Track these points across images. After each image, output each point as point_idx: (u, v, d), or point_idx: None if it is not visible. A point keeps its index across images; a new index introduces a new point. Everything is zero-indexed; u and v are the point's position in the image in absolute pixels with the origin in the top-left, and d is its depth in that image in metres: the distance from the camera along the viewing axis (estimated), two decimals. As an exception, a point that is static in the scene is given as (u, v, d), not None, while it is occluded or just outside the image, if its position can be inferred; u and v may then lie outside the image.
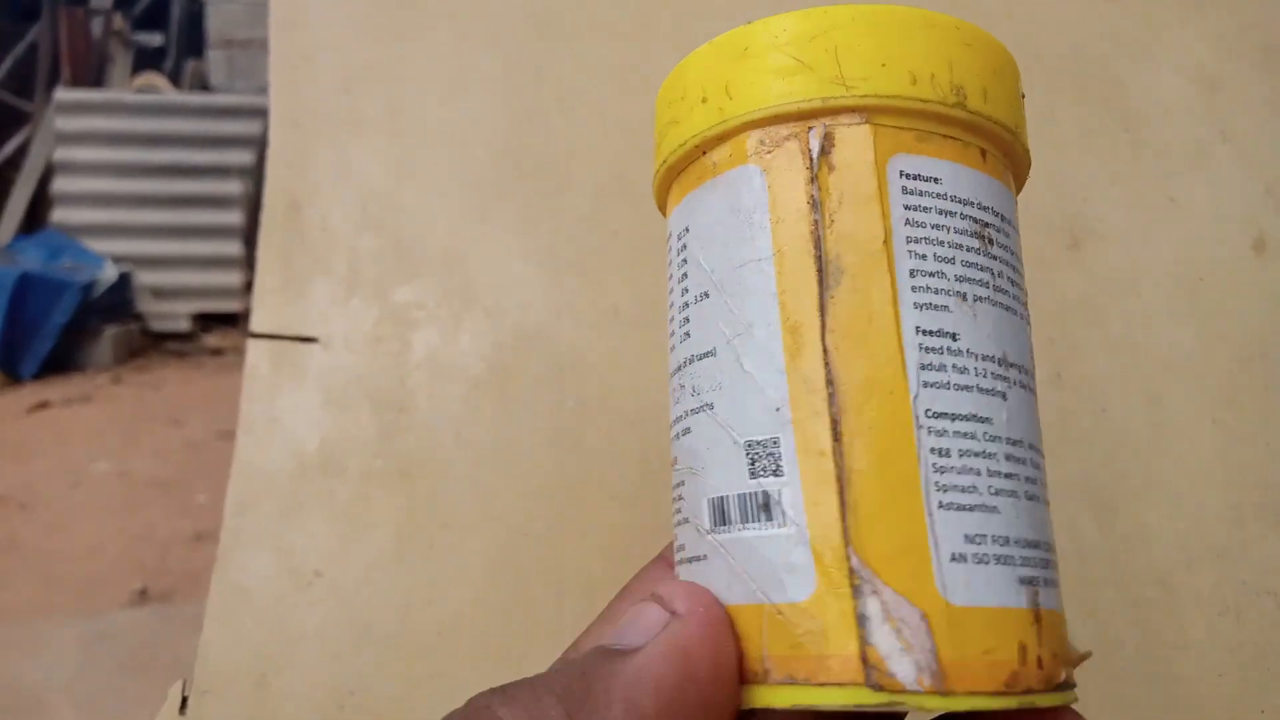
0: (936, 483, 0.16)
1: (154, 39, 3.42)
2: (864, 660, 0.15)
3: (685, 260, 0.19)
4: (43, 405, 2.27)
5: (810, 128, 0.17)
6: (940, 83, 0.17)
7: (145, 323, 2.85)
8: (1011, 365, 0.17)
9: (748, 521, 0.16)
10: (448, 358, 0.35)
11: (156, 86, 3.09)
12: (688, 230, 0.19)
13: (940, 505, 0.16)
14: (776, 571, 0.16)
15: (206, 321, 2.88)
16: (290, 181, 0.37)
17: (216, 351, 2.74)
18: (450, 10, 0.40)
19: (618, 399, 0.34)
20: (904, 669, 0.15)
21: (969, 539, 0.15)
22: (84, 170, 2.85)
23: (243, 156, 2.87)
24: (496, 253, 0.36)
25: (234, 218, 2.86)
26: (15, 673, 1.19)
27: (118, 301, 2.72)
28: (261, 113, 2.83)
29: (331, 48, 0.39)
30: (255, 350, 0.34)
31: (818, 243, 0.17)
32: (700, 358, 0.18)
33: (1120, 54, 0.43)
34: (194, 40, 3.38)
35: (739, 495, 0.17)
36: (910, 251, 0.17)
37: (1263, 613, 0.34)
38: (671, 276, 0.19)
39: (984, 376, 0.17)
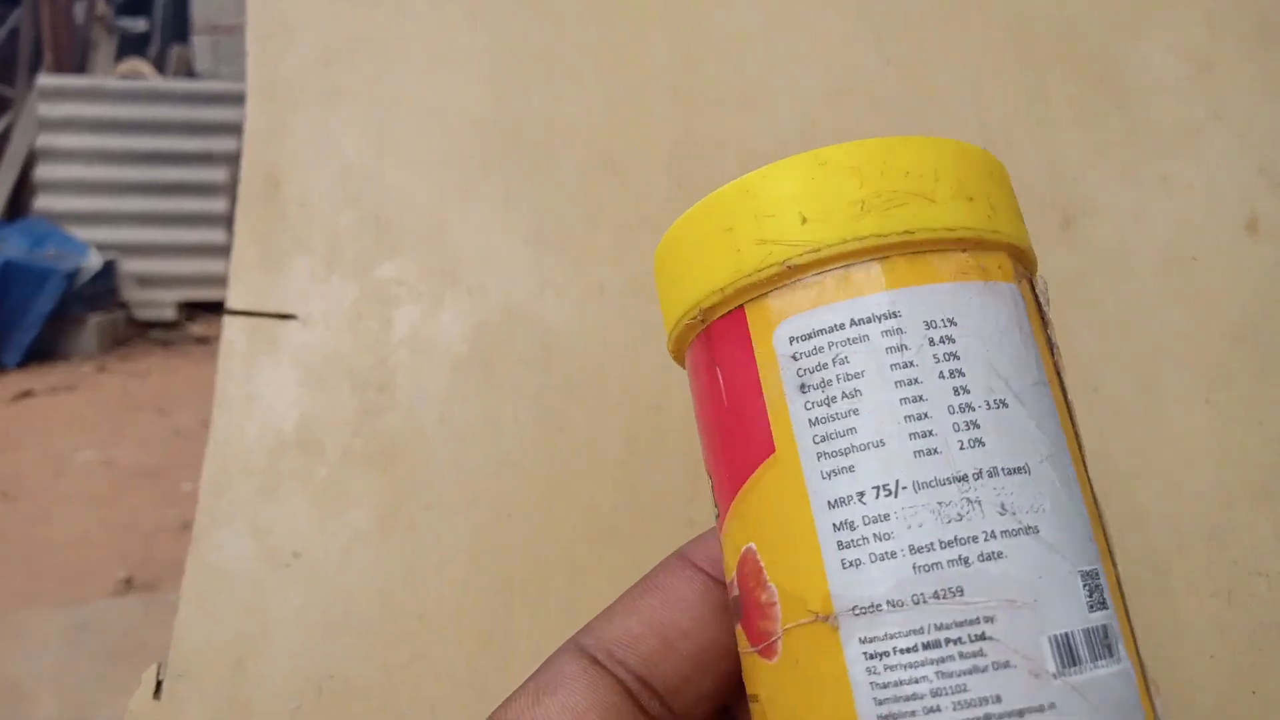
0: None
1: (138, 24, 3.38)
2: None
3: (955, 355, 0.17)
4: (26, 394, 2.25)
5: (1029, 274, 0.19)
6: None
7: (130, 311, 2.82)
8: None
9: (1097, 659, 0.16)
10: (429, 336, 0.34)
11: (141, 72, 3.06)
12: (953, 322, 0.17)
13: None
14: (1129, 711, 0.15)
15: (192, 310, 2.86)
16: (268, 156, 0.36)
17: (202, 340, 2.72)
18: (433, -18, 0.39)
19: (603, 379, 0.34)
20: None
21: None
22: (67, 157, 2.82)
23: (228, 143, 2.84)
24: (479, 229, 0.36)
25: (219, 205, 2.84)
26: (-2, 662, 1.18)
27: (102, 290, 2.70)
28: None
29: (311, 19, 0.38)
30: (232, 327, 0.33)
31: (1062, 378, 0.18)
32: (1010, 472, 0.16)
33: (1114, 31, 0.42)
34: (179, 26, 3.35)
35: (1085, 630, 0.16)
36: None
37: (1254, 594, 0.33)
38: (910, 365, 0.17)
39: None
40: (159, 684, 0.29)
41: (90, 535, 1.55)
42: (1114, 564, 0.17)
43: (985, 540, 0.16)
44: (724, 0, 0.41)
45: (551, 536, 0.32)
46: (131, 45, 3.28)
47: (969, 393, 0.16)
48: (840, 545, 0.16)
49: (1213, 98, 0.42)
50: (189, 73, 3.22)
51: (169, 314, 2.83)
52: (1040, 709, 0.15)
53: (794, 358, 0.17)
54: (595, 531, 0.32)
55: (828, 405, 0.16)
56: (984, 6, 0.42)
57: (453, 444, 0.32)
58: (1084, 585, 0.16)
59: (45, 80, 2.88)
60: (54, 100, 2.84)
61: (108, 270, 2.69)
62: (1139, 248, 0.39)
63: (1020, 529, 0.16)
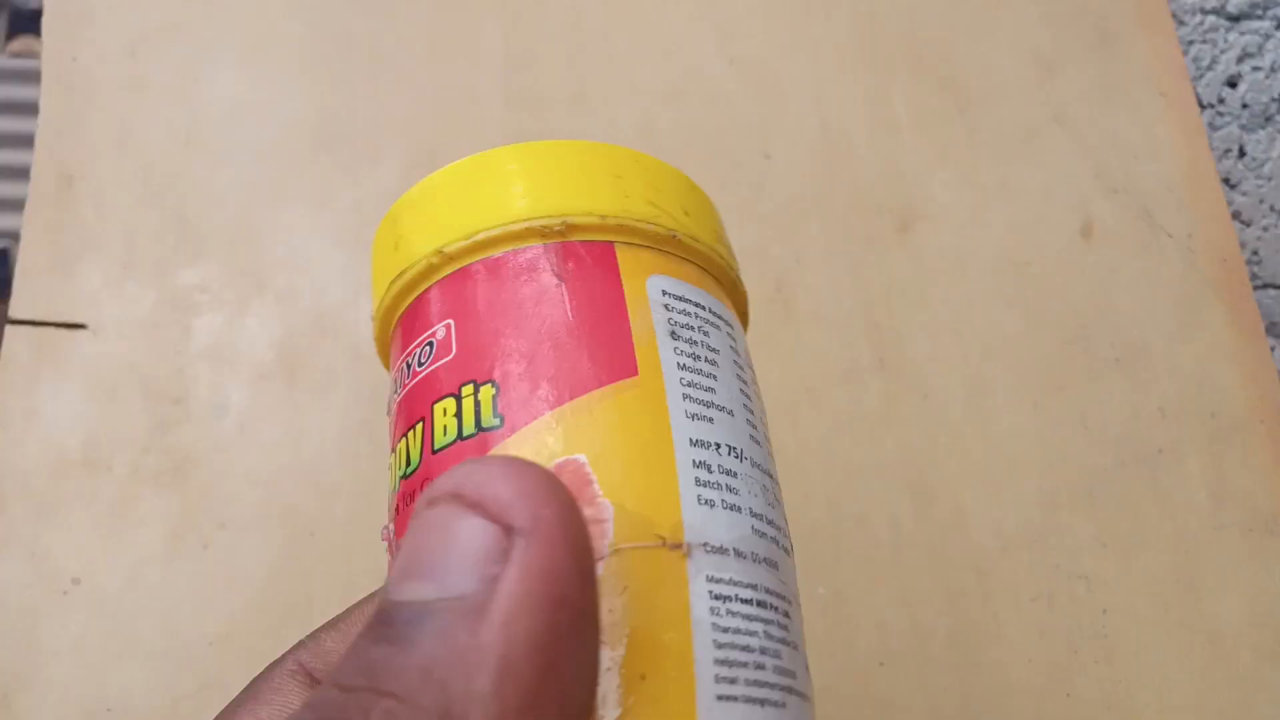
0: None
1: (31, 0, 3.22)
2: None
3: (750, 375, 0.19)
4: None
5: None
6: None
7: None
8: None
9: None
10: (232, 345, 0.32)
11: (35, 51, 2.91)
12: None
13: None
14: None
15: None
16: (62, 152, 0.34)
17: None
18: (250, -31, 0.37)
19: (421, 387, 0.32)
20: None
21: None
22: (-45, 140, 2.68)
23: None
24: (291, 231, 0.34)
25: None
26: None
27: (-6, 280, 2.57)
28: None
29: (115, 5, 0.36)
30: (14, 337, 0.31)
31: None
32: (770, 475, 0.18)
33: (957, 34, 0.42)
34: (77, 3, 3.20)
35: None
36: None
37: (1074, 597, 0.34)
38: (742, 368, 0.19)
39: None
40: (-87, 725, 0.27)
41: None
42: None
43: (785, 534, 0.17)
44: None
45: (357, 555, 0.30)
46: (24, 22, 3.12)
47: (753, 411, 0.18)
48: (698, 482, 0.16)
49: (1053, 102, 0.42)
50: (88, 52, 3.08)
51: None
52: (806, 696, 0.16)
53: (666, 307, 0.18)
54: (408, 548, 0.31)
55: (695, 360, 0.17)
56: (828, 6, 0.42)
57: (252, 458, 0.31)
58: None
59: (-71, 58, 2.73)
60: (-61, 79, 2.69)
61: (2, 259, 2.57)
62: (974, 251, 0.39)
63: (788, 543, 0.17)
